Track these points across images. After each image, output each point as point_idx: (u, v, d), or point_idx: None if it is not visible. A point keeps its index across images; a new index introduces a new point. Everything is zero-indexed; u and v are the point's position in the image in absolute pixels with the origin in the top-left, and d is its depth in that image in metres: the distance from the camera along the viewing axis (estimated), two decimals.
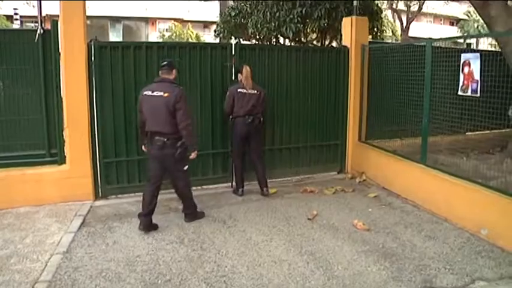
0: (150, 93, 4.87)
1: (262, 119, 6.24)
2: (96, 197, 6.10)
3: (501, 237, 4.66)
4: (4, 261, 4.21)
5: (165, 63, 5.02)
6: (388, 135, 7.06)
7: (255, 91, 6.10)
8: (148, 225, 5.01)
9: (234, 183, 6.59)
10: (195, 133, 5.14)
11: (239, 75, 6.18)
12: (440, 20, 43.84)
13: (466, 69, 5.27)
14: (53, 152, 5.96)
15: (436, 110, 5.81)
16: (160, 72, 5.05)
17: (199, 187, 6.56)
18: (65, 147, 5.90)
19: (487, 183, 5.06)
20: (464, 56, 5.33)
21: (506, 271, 4.16)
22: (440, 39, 6.06)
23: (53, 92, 5.84)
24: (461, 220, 5.21)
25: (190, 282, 3.89)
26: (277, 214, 5.59)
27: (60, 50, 5.72)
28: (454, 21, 43.15)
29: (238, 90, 6.07)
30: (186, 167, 5.10)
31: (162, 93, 4.80)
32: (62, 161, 5.94)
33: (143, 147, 5.34)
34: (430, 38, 5.94)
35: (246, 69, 6.07)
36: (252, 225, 5.21)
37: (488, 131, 5.70)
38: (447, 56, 5.67)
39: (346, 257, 4.41)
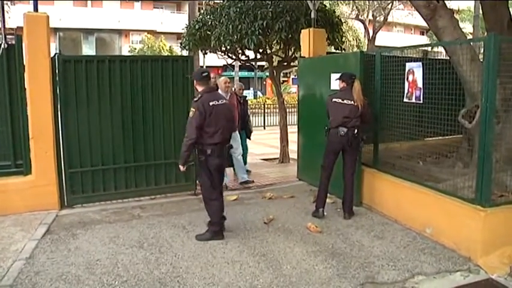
0: None
1: (357, 132, 5.65)
2: (62, 206, 6.24)
3: (443, 235, 4.99)
4: None
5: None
6: None
7: (352, 102, 5.57)
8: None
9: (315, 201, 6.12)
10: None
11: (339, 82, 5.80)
12: (411, 30, 44.82)
13: (410, 77, 5.57)
14: (18, 163, 6.08)
15: (391, 118, 5.95)
16: None
17: (163, 195, 6.83)
18: (30, 158, 6.05)
19: (436, 185, 5.33)
20: (408, 65, 5.63)
21: (444, 265, 4.48)
22: (391, 48, 6.34)
23: (18, 104, 5.98)
24: (409, 221, 5.52)
25: (145, 283, 4.10)
26: (236, 219, 5.80)
27: (24, 64, 5.89)
28: (424, 30, 44.09)
29: (333, 99, 5.76)
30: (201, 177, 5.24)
31: None
32: (27, 171, 6.08)
33: None
34: (380, 47, 6.23)
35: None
36: None
37: (446, 137, 5.95)
38: (399, 65, 5.82)
39: (296, 257, 4.66)
